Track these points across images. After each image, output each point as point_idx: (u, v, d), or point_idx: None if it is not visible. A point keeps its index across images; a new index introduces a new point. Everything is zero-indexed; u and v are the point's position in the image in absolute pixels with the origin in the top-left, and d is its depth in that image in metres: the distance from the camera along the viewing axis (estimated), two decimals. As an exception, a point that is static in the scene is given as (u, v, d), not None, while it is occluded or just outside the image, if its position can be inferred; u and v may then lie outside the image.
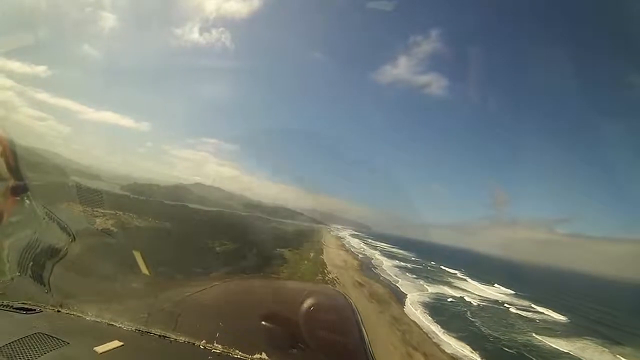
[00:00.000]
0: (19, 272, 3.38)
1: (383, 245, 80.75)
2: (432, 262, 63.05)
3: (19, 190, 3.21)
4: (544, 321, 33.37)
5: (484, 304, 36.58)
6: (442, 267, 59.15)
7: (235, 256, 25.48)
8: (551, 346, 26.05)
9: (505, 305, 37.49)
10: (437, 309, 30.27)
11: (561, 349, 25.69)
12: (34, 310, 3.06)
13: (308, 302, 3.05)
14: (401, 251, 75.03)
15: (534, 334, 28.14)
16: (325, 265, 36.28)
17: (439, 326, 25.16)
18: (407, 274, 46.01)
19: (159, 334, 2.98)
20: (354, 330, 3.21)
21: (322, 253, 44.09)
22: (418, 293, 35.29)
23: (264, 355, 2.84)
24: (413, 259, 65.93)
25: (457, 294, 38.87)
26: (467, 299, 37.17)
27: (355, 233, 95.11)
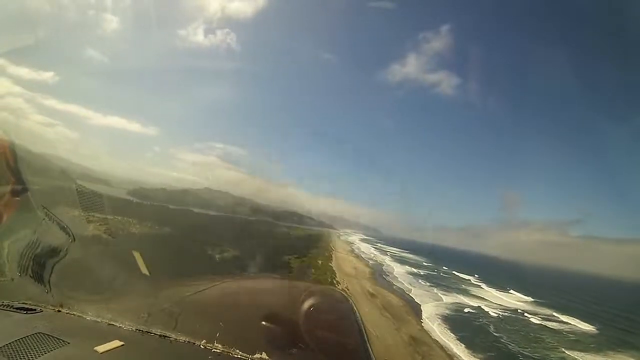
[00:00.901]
0: (19, 272, 3.40)
1: (394, 249, 79.48)
2: (445, 267, 61.57)
3: (19, 191, 3.26)
4: (572, 332, 31.42)
5: (504, 314, 34.46)
6: (454, 272, 57.39)
7: (235, 265, 23.91)
8: (588, 364, 24.18)
9: (527, 315, 35.27)
10: (457, 322, 27.90)
11: (600, 367, 23.98)
12: (34, 310, 3.08)
13: (308, 302, 3.05)
14: (412, 256, 73.59)
15: (565, 350, 26.00)
16: (335, 273, 34.07)
17: (463, 345, 22.70)
18: (421, 281, 43.89)
19: (159, 333, 2.97)
20: (354, 330, 3.23)
21: (331, 260, 42.22)
22: (434, 304, 33.16)
23: (264, 355, 2.83)
24: (425, 264, 64.52)
25: (475, 303, 36.70)
26: (485, 308, 35.06)
27: (365, 237, 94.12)
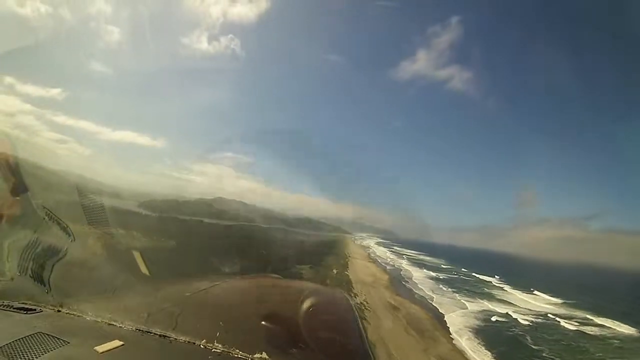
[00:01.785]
0: (19, 272, 3.44)
1: (410, 252, 78.00)
2: (463, 269, 59.84)
3: (19, 191, 3.34)
4: (614, 337, 28.98)
5: (536, 320, 31.94)
6: (474, 274, 55.61)
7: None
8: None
9: (560, 320, 32.85)
10: (489, 335, 25.65)
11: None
12: (34, 310, 3.10)
13: (308, 302, 3.05)
14: (430, 258, 72.03)
15: (615, 360, 23.87)
16: (351, 283, 32.22)
17: (504, 366, 20.78)
18: (442, 286, 42.13)
19: (159, 333, 2.97)
20: (354, 329, 3.24)
21: (347, 267, 40.61)
22: (459, 313, 31.04)
23: (264, 355, 2.82)
24: (443, 266, 62.95)
25: (501, 309, 34.53)
26: (514, 315, 32.66)
27: (381, 241, 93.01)
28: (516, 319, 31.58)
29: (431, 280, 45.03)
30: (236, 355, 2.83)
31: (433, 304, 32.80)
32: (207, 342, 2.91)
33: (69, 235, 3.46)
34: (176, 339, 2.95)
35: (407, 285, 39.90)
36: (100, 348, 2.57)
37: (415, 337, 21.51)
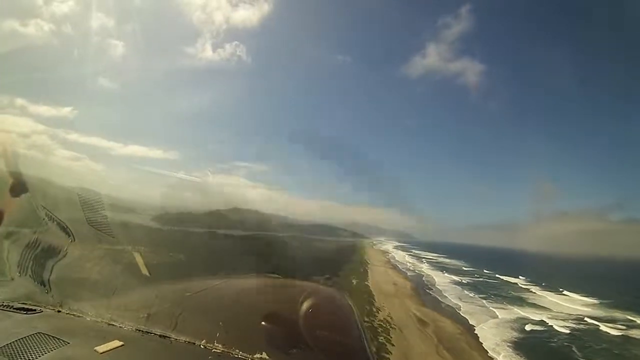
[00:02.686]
0: (19, 272, 3.46)
1: (430, 255, 76.47)
2: (486, 271, 57.95)
3: (19, 190, 3.42)
4: None
5: (575, 327, 29.35)
6: (498, 276, 53.76)
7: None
8: None
9: (600, 324, 30.18)
10: (529, 348, 23.22)
11: None
12: (34, 310, 3.12)
13: (308, 302, 3.03)
14: (450, 260, 70.31)
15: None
16: (372, 295, 29.75)
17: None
18: (467, 292, 40.23)
19: (159, 333, 2.96)
20: (354, 329, 3.20)
21: (367, 276, 38.66)
22: (491, 323, 28.64)
23: (264, 355, 2.80)
24: (465, 268, 61.18)
25: (535, 315, 32.03)
26: (549, 321, 30.18)
27: (399, 244, 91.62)
28: (552, 326, 29.24)
29: (456, 286, 43.23)
30: (236, 355, 2.80)
31: (461, 313, 30.68)
32: (207, 342, 2.89)
33: (69, 235, 3.52)
34: (176, 339, 2.93)
35: (431, 293, 38.18)
36: (100, 348, 2.56)
37: None
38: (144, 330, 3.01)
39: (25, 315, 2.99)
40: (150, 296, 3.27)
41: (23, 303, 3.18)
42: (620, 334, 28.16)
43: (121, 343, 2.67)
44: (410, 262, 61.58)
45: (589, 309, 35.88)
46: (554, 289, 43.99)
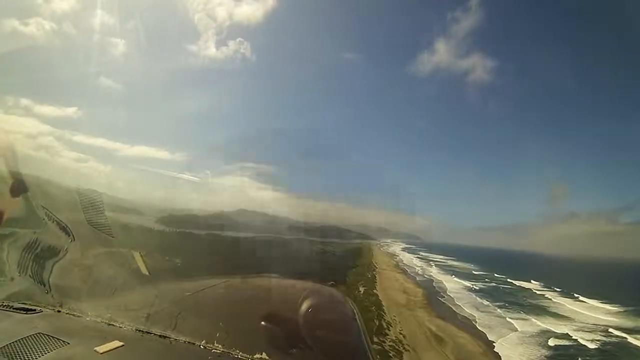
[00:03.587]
0: (19, 272, 3.47)
1: (438, 258, 75.02)
2: (497, 275, 56.44)
3: (19, 190, 3.46)
4: None
5: (603, 340, 26.90)
6: (510, 280, 51.63)
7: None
8: None
9: (627, 335, 27.63)
10: None
11: None
12: (34, 310, 3.12)
13: (308, 302, 3.05)
14: (459, 264, 68.78)
15: None
16: (382, 306, 26.97)
17: None
18: (480, 299, 37.72)
19: (159, 334, 2.96)
20: (353, 329, 3.22)
21: (376, 282, 36.44)
22: (512, 338, 26.22)
23: (264, 355, 2.80)
24: (475, 272, 59.55)
25: (556, 327, 29.35)
26: (573, 333, 27.55)
27: (406, 246, 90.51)
28: (578, 340, 26.60)
29: (468, 293, 40.81)
30: (236, 356, 2.79)
31: (478, 326, 27.99)
32: (207, 343, 2.89)
33: (69, 235, 3.54)
34: (176, 339, 2.93)
35: (444, 301, 35.57)
36: (100, 348, 2.56)
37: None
38: (144, 330, 3.00)
39: (25, 315, 3.00)
40: (150, 296, 3.27)
41: (23, 303, 3.19)
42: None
43: (121, 343, 2.67)
44: (418, 266, 59.94)
45: (613, 318, 33.62)
46: (570, 295, 41.94)
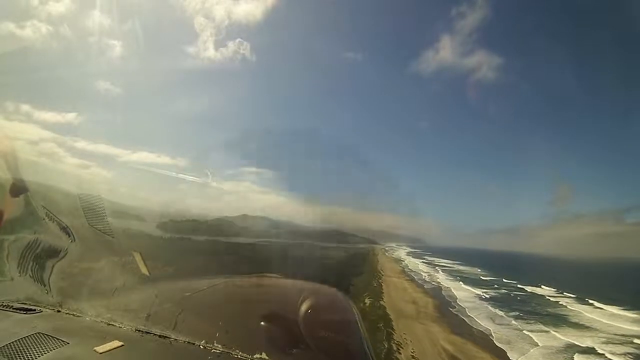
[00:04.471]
0: (19, 272, 3.47)
1: (443, 262, 73.90)
2: (506, 280, 55.32)
3: (19, 190, 3.49)
4: None
5: (633, 352, 24.46)
6: (520, 286, 49.78)
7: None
8: None
9: None
10: None
11: None
12: (34, 310, 3.13)
13: (308, 302, 3.04)
14: (466, 268, 67.55)
15: None
16: (391, 321, 24.66)
17: None
18: (494, 309, 35.29)
19: (159, 334, 2.96)
20: (354, 330, 3.19)
21: (382, 292, 34.69)
22: (535, 355, 23.86)
23: (264, 355, 2.80)
24: (483, 278, 58.24)
25: (580, 340, 26.81)
26: (599, 348, 24.99)
27: (411, 250, 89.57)
28: (605, 354, 24.07)
29: (480, 302, 38.56)
30: (236, 356, 2.79)
31: (496, 342, 25.71)
32: (206, 342, 2.88)
33: (69, 235, 3.56)
34: (176, 339, 2.93)
35: (455, 312, 33.31)
36: (100, 348, 2.56)
37: None
38: (144, 330, 3.00)
39: (25, 315, 3.01)
40: (150, 296, 3.26)
41: (23, 303, 3.21)
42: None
43: (121, 343, 2.67)
44: (425, 272, 58.34)
45: (637, 328, 30.61)
46: (585, 301, 39.45)
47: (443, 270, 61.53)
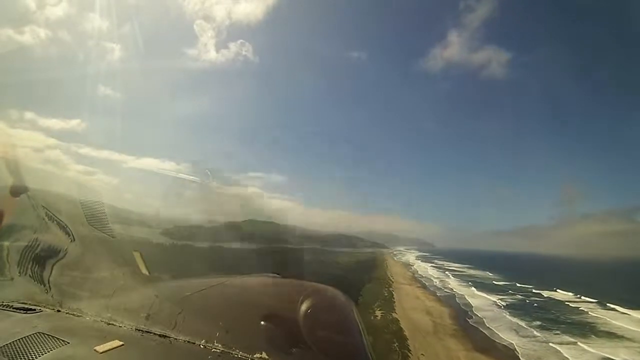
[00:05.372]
0: (19, 272, 3.50)
1: (453, 266, 72.59)
2: (519, 284, 53.60)
3: (19, 191, 3.53)
4: None
5: None
6: (536, 291, 48.20)
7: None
8: None
9: None
10: None
11: None
12: (34, 310, 3.14)
13: (308, 302, 3.02)
14: (478, 272, 66.11)
15: None
16: (405, 336, 22.64)
17: None
18: (513, 318, 33.12)
19: (159, 333, 2.96)
20: (354, 330, 3.16)
21: (394, 303, 32.30)
22: None
23: (264, 355, 2.80)
24: (496, 283, 56.56)
25: (614, 352, 24.72)
26: None
27: (421, 254, 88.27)
28: None
29: (498, 310, 36.51)
30: (236, 355, 2.79)
31: (522, 358, 23.78)
32: (206, 342, 2.88)
33: (69, 235, 3.58)
34: (176, 339, 2.93)
35: (473, 323, 31.03)
36: (100, 348, 2.57)
37: None
38: (144, 330, 3.00)
39: (25, 314, 3.02)
40: (150, 296, 3.26)
41: (23, 303, 3.21)
42: None
43: (121, 343, 2.67)
44: (436, 277, 56.54)
45: None
46: (607, 305, 37.63)
47: (454, 275, 59.98)
